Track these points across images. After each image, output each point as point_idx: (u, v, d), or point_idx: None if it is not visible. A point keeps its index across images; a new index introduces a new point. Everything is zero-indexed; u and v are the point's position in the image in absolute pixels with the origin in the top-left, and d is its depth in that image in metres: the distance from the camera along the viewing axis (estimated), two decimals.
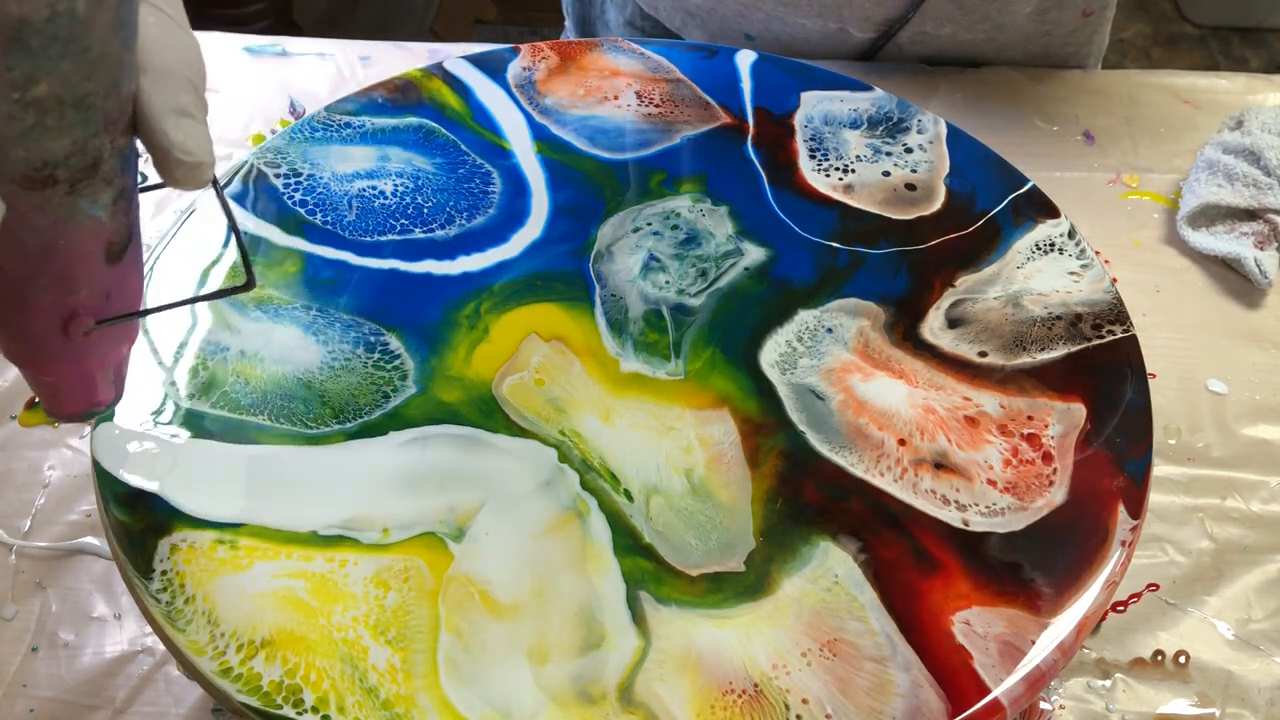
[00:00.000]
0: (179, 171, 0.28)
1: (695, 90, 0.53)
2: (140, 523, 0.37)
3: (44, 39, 0.23)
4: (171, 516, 0.37)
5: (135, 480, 0.38)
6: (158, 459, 0.39)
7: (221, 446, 0.39)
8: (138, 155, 0.29)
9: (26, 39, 0.23)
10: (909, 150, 0.51)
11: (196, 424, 0.40)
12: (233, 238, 0.45)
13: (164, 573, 0.36)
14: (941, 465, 0.40)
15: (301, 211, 0.47)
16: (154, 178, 0.30)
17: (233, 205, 0.47)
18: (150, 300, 0.42)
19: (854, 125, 0.52)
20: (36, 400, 0.50)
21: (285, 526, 0.37)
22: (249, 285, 0.31)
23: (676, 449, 0.40)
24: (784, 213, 0.48)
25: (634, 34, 0.74)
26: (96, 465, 0.38)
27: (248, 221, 0.46)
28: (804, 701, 0.34)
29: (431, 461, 0.39)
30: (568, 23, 0.80)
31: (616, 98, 0.53)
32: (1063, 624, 0.36)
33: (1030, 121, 0.63)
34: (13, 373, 0.51)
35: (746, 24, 0.67)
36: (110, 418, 0.40)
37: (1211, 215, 0.57)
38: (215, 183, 0.31)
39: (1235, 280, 0.56)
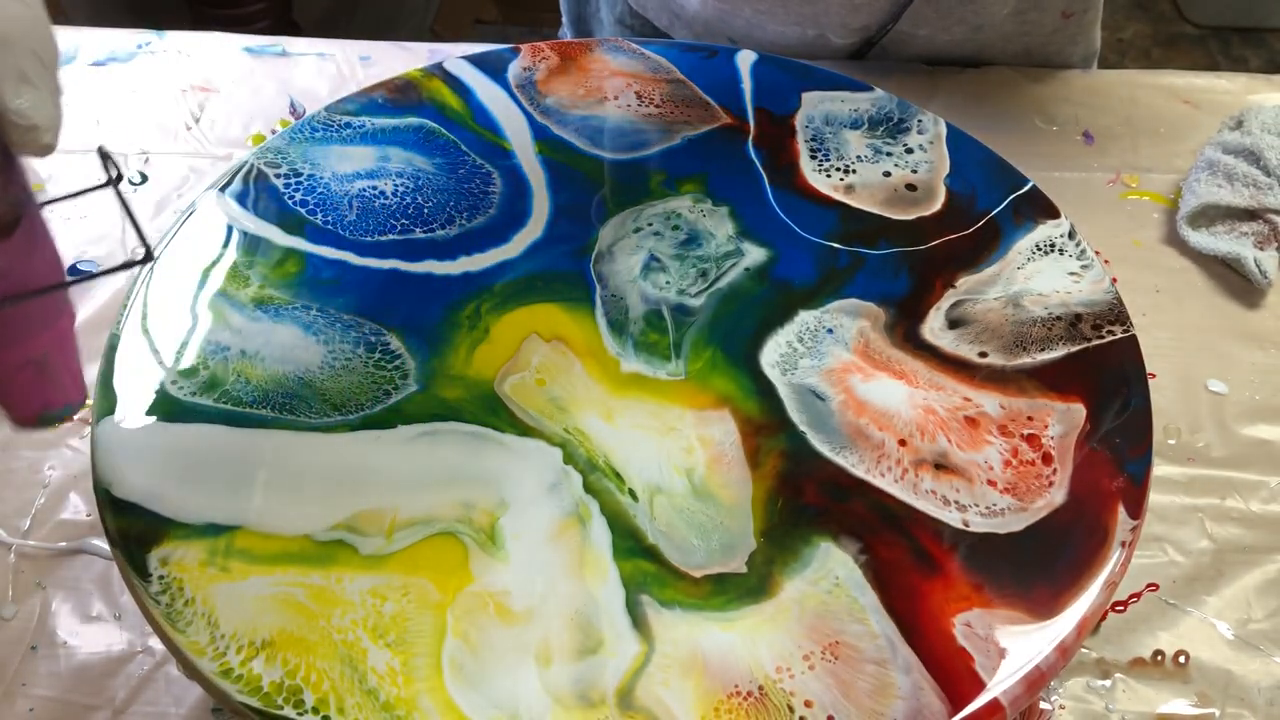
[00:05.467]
0: (14, 135, 0.29)
1: (695, 91, 0.53)
2: (136, 528, 0.37)
3: None
4: (166, 525, 0.37)
5: (132, 484, 0.38)
6: (156, 462, 0.39)
7: (221, 446, 0.39)
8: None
9: None
10: (909, 150, 0.51)
11: (196, 424, 0.40)
12: (232, 236, 0.45)
13: (162, 576, 0.36)
14: (942, 466, 0.40)
15: (302, 211, 0.47)
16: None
17: (227, 205, 0.47)
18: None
19: (855, 125, 0.52)
20: None
21: (285, 531, 0.37)
22: (148, 258, 0.31)
23: (677, 449, 0.40)
24: (785, 213, 0.48)
25: (625, 32, 0.74)
26: (95, 469, 0.38)
27: (249, 222, 0.46)
28: (807, 704, 0.34)
29: (442, 461, 0.39)
30: (564, 20, 0.80)
31: (617, 98, 0.53)
32: (1062, 624, 0.36)
33: (1030, 122, 0.63)
34: None
35: (728, 28, 0.67)
36: (111, 415, 0.39)
37: (1211, 215, 0.57)
38: (114, 178, 0.30)
39: (1235, 280, 0.56)
